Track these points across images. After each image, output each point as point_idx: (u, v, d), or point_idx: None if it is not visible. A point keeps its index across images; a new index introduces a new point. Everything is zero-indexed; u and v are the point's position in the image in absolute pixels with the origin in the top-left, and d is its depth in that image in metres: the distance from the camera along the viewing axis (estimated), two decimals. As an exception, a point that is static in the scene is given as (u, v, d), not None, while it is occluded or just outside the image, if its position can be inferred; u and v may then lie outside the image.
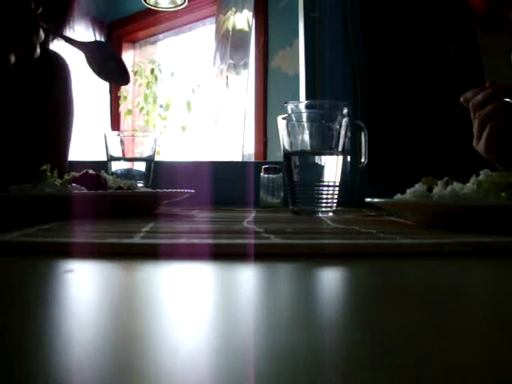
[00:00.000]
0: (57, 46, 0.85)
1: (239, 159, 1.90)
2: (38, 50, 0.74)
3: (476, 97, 0.69)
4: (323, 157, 0.63)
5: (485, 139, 0.69)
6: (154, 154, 0.89)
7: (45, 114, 0.81)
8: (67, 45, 0.80)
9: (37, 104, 0.81)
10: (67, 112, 0.89)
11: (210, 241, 0.29)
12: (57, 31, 0.79)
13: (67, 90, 0.90)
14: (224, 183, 1.08)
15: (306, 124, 0.65)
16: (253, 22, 1.93)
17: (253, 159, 1.88)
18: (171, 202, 0.70)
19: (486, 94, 0.68)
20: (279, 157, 0.70)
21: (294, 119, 0.65)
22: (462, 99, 0.72)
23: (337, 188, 0.63)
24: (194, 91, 2.55)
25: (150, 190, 0.75)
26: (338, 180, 0.63)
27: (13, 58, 0.73)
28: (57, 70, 0.87)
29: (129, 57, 2.66)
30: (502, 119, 0.66)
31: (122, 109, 2.59)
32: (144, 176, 0.87)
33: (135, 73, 2.64)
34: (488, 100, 0.68)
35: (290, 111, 0.77)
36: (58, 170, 0.57)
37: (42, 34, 0.73)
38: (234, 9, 2.00)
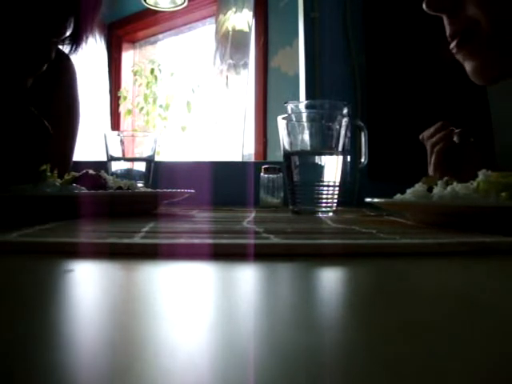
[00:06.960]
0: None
1: (239, 159, 1.90)
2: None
3: (428, 129, 0.78)
4: (323, 157, 0.63)
5: (432, 164, 0.76)
6: (154, 154, 0.89)
7: (50, 114, 0.80)
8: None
9: (42, 104, 0.80)
10: (74, 112, 0.88)
11: (210, 241, 0.29)
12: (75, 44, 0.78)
13: (73, 90, 0.89)
14: (224, 183, 1.08)
15: (305, 124, 0.65)
16: (253, 22, 1.93)
17: (253, 159, 1.88)
18: (171, 202, 0.70)
19: (436, 127, 0.77)
20: (279, 157, 0.70)
21: (294, 119, 0.65)
22: (420, 137, 0.81)
23: (337, 188, 0.63)
24: (193, 91, 2.55)
25: (150, 190, 0.74)
26: (337, 180, 0.63)
27: (29, 82, 0.73)
28: (63, 70, 0.86)
29: (129, 57, 2.66)
30: (444, 146, 0.74)
31: (122, 109, 2.59)
32: (144, 176, 0.87)
33: (135, 73, 2.64)
34: (437, 131, 0.76)
35: (289, 111, 0.77)
36: (62, 171, 0.56)
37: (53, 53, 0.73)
38: (233, 9, 2.00)
